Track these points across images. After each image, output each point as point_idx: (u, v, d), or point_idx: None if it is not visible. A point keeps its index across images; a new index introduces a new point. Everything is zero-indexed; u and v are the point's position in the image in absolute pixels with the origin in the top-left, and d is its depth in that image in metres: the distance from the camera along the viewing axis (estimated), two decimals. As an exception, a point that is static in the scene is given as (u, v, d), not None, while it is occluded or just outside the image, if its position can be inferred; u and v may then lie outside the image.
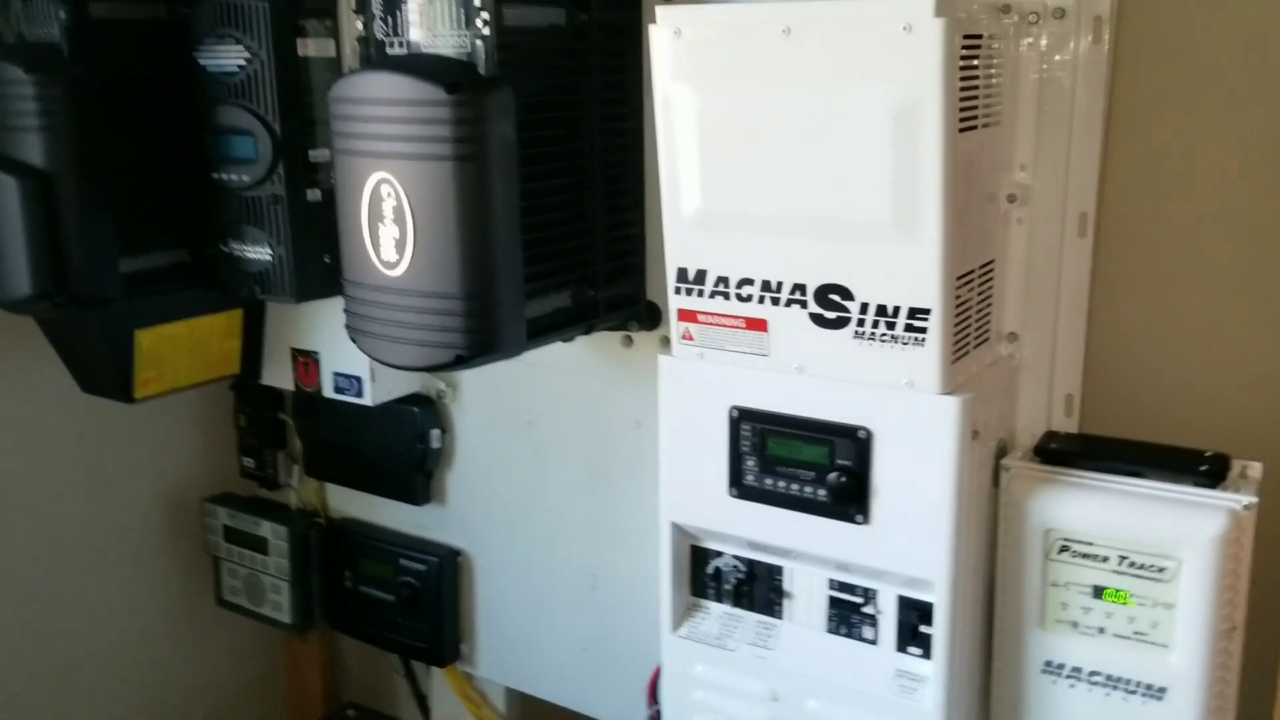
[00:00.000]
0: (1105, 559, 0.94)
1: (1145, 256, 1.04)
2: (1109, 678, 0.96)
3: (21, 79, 1.10)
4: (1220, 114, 0.99)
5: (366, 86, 0.98)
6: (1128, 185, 1.03)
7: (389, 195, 0.97)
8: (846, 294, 0.93)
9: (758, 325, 0.98)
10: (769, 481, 1.00)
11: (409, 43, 1.00)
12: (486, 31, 0.97)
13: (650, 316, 1.23)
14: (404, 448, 1.44)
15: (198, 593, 1.64)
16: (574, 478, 1.37)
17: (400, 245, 0.98)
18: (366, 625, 1.56)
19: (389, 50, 1.01)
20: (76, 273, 1.14)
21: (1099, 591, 0.95)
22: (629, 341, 1.27)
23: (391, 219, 0.98)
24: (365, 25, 1.02)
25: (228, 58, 1.15)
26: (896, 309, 0.91)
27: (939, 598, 0.95)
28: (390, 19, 1.01)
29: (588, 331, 1.17)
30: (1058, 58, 0.98)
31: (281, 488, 1.61)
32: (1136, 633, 0.94)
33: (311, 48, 1.18)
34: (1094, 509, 0.95)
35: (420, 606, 1.50)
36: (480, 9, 0.97)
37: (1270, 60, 0.96)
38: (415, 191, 0.96)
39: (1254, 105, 0.98)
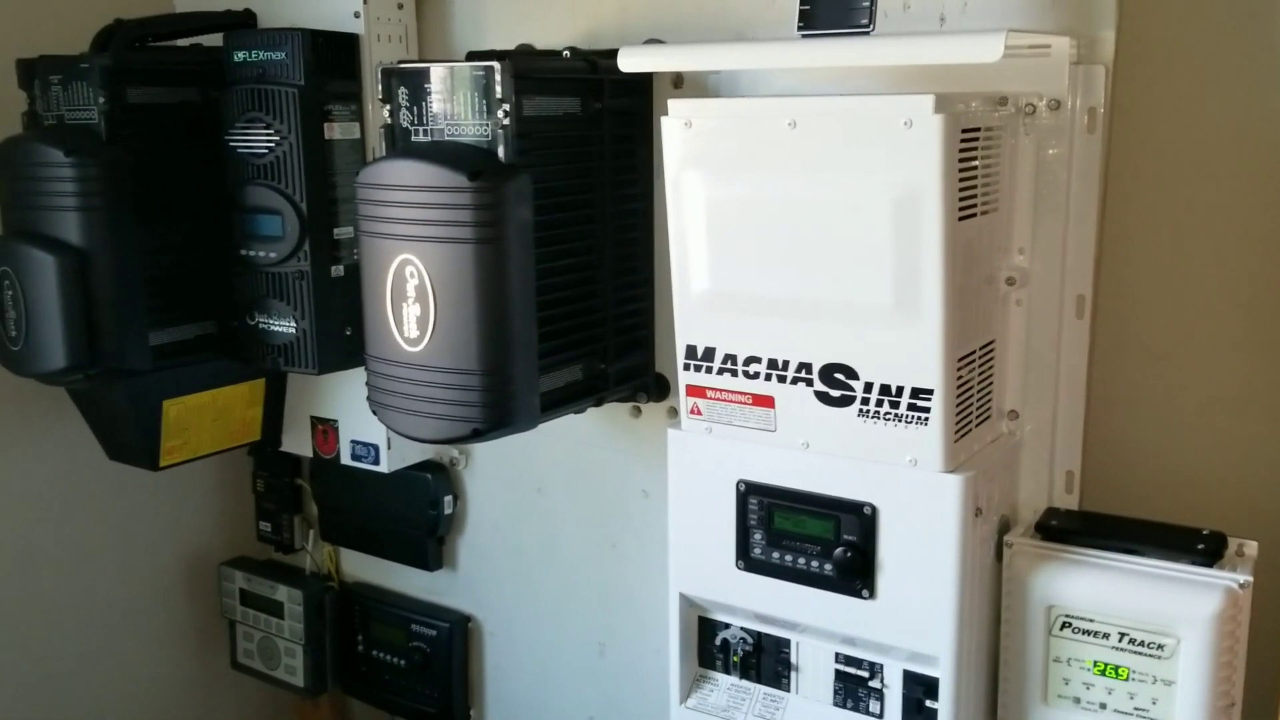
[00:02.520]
0: (1106, 636, 0.96)
1: (1142, 337, 1.06)
2: (1111, 753, 0.97)
3: (61, 161, 1.15)
4: (1212, 199, 1.02)
5: (393, 173, 1.02)
6: (1123, 268, 1.05)
7: (412, 275, 1.01)
8: (851, 373, 0.95)
9: (765, 402, 1.00)
10: (776, 555, 1.02)
11: (433, 131, 1.05)
12: (507, 121, 1.02)
13: (659, 388, 1.26)
14: (417, 514, 1.47)
15: (213, 656, 1.66)
16: (582, 545, 1.39)
17: (422, 323, 1.02)
18: (377, 689, 1.58)
19: (414, 138, 1.06)
20: (108, 346, 1.18)
21: (1100, 668, 0.97)
22: (637, 412, 1.30)
23: (414, 298, 1.01)
24: (391, 113, 1.07)
25: (257, 140, 1.20)
26: (900, 389, 0.94)
27: (944, 672, 0.97)
28: (415, 108, 1.05)
29: (598, 403, 1.21)
30: (1053, 147, 1.01)
31: (297, 552, 1.63)
32: (1137, 709, 0.95)
33: (337, 131, 1.22)
34: (1094, 586, 0.97)
35: (430, 671, 1.51)
36: (501, 100, 1.01)
37: (1259, 148, 1.00)
38: (438, 272, 1.00)
39: (1244, 190, 1.01)
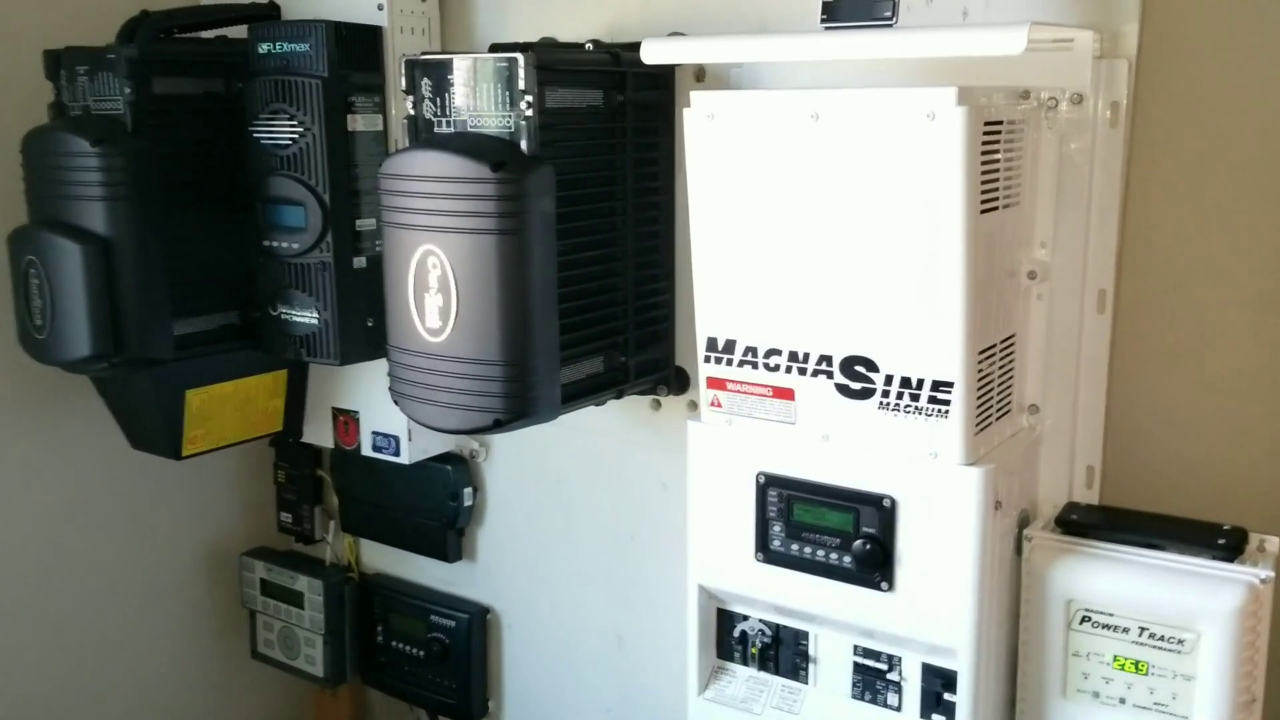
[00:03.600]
0: (1126, 630, 0.96)
1: (1163, 332, 1.06)
2: (1130, 748, 0.97)
3: (87, 151, 1.15)
4: (1235, 195, 1.02)
5: (416, 164, 1.02)
6: (1145, 263, 1.05)
7: (435, 266, 1.02)
8: (872, 366, 0.96)
9: (785, 394, 1.01)
10: (795, 547, 1.02)
11: (456, 122, 1.06)
12: (530, 113, 1.02)
13: (679, 381, 1.27)
14: (437, 505, 1.48)
15: (233, 645, 1.67)
16: (601, 538, 1.39)
17: (444, 313, 1.02)
18: (396, 680, 1.59)
19: (437, 129, 1.07)
20: (133, 335, 1.18)
21: (1120, 662, 0.96)
22: (657, 405, 1.30)
23: (436, 289, 1.02)
24: (414, 105, 1.07)
25: (281, 131, 1.21)
26: (920, 381, 0.94)
27: (962, 666, 0.97)
28: (438, 100, 1.06)
29: (618, 396, 1.21)
30: (1076, 141, 1.01)
31: (317, 543, 1.64)
32: (1157, 704, 0.95)
33: (360, 123, 1.23)
34: (1114, 581, 0.96)
35: (449, 662, 1.52)
36: (524, 92, 1.02)
37: (1283, 143, 1.00)
38: (460, 263, 1.00)
39: (1268, 186, 1.00)
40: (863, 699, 1.04)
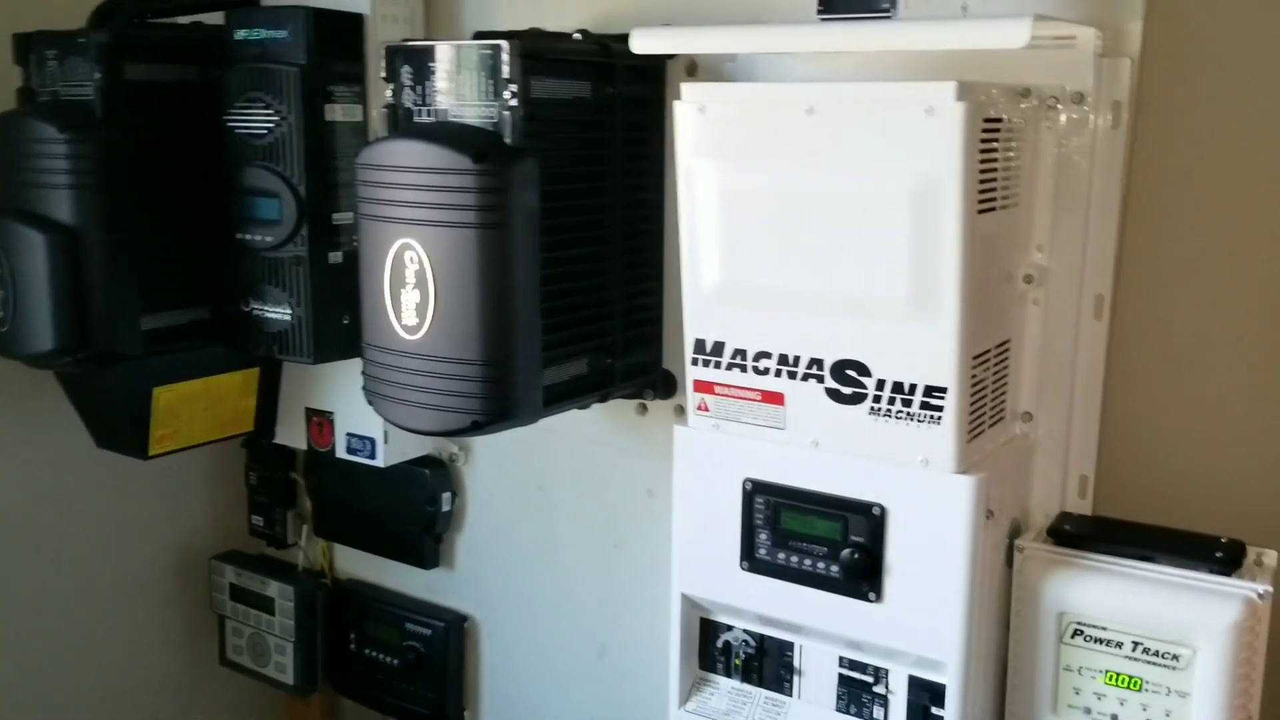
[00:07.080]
0: (1119, 645, 0.94)
1: (1161, 340, 1.05)
2: (1122, 766, 0.95)
3: (54, 137, 1.13)
4: (1238, 199, 1.01)
5: (394, 154, 1.00)
6: (1144, 269, 1.04)
7: (412, 261, 0.99)
8: (863, 370, 0.93)
9: (774, 398, 0.98)
10: (781, 556, 1.00)
11: (437, 111, 1.03)
12: (514, 103, 1.00)
13: (666, 385, 1.24)
14: (414, 510, 1.45)
15: (201, 652, 1.64)
16: (584, 545, 1.37)
17: (421, 310, 0.99)
18: (369, 689, 1.56)
19: (417, 118, 1.04)
20: (99, 329, 1.15)
21: (1112, 677, 0.94)
22: (643, 410, 1.28)
23: (414, 284, 0.99)
24: (394, 93, 1.05)
25: (256, 121, 1.18)
26: (913, 386, 0.91)
27: (951, 679, 0.95)
28: (419, 88, 1.03)
29: (604, 399, 1.19)
30: (1076, 141, 0.99)
31: (290, 547, 1.61)
32: (1150, 721, 0.93)
33: (339, 113, 1.20)
34: (1108, 593, 0.95)
35: (425, 672, 1.50)
36: (508, 81, 0.99)
37: (1284, 150, 0.98)
38: (438, 257, 0.98)
39: (1271, 190, 0.99)
40: (848, 712, 1.02)
